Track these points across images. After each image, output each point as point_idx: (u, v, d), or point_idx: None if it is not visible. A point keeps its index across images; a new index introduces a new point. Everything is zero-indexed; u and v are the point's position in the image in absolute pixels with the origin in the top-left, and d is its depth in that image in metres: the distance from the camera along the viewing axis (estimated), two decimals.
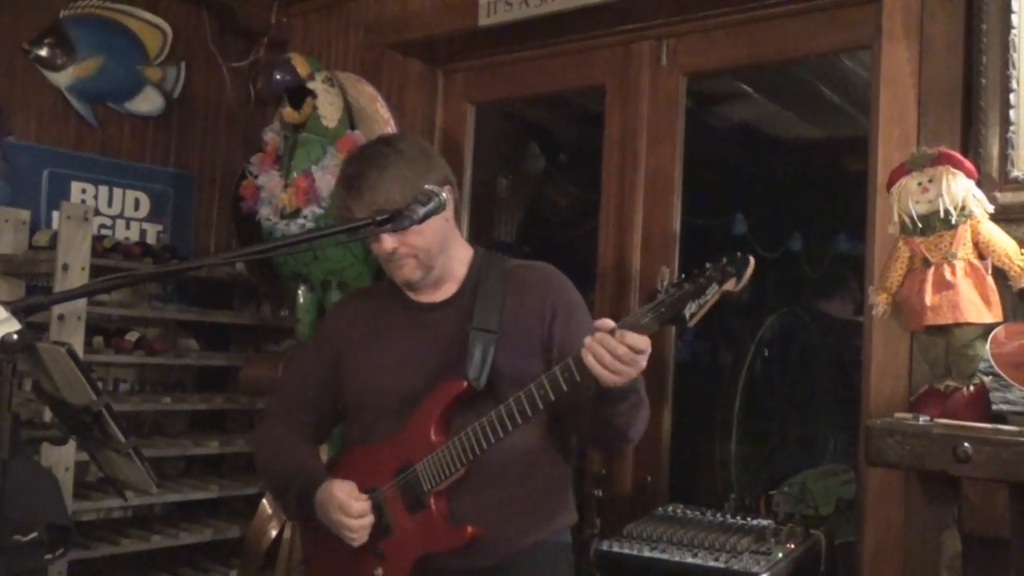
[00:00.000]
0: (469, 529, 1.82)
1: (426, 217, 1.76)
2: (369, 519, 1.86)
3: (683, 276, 1.57)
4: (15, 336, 1.47)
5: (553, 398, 1.69)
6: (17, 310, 1.50)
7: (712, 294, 1.53)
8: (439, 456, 1.82)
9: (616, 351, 1.58)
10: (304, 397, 2.08)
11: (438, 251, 1.91)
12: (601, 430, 1.82)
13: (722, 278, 1.52)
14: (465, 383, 1.84)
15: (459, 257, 1.99)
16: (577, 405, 1.77)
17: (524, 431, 1.81)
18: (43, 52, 3.33)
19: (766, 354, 4.54)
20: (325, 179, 2.88)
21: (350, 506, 1.85)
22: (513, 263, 2.01)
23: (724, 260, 1.54)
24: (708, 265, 1.54)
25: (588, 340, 1.60)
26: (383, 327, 2.00)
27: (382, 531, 1.89)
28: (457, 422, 1.83)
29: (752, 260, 1.53)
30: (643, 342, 1.59)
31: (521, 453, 1.88)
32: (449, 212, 1.90)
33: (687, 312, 1.53)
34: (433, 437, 1.84)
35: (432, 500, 1.85)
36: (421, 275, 1.91)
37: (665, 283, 1.56)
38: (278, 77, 2.95)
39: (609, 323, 1.60)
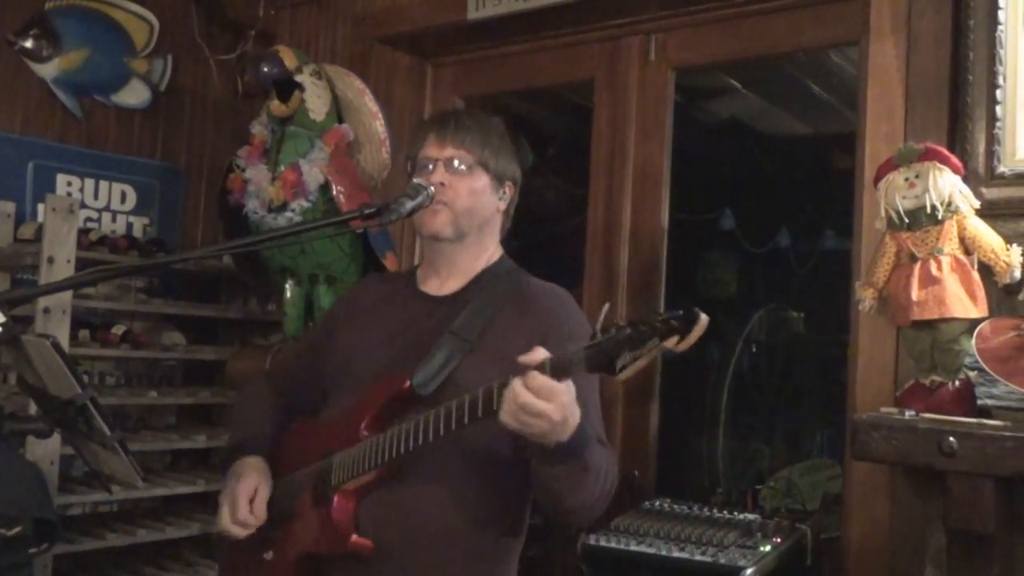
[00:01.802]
0: (354, 538, 1.66)
1: (413, 212, 1.74)
2: (246, 531, 1.77)
3: (628, 323, 1.36)
4: None
5: (467, 421, 1.51)
6: (1, 302, 1.49)
7: (650, 347, 1.33)
8: (356, 452, 1.68)
9: (518, 399, 1.40)
10: (294, 364, 2.05)
11: (476, 223, 1.83)
12: (537, 492, 1.64)
13: (665, 332, 1.32)
14: (407, 383, 1.69)
15: (485, 253, 1.88)
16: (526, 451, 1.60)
17: (476, 468, 1.68)
18: (28, 43, 3.30)
19: (753, 350, 4.56)
20: (313, 172, 2.87)
21: (238, 508, 1.76)
22: (531, 280, 1.88)
23: (675, 313, 1.34)
24: (656, 315, 1.35)
25: (512, 379, 1.43)
26: (381, 309, 1.92)
27: (285, 516, 1.79)
28: (392, 424, 1.66)
29: (703, 319, 1.31)
30: (548, 388, 1.39)
31: (461, 486, 1.69)
32: (503, 206, 1.89)
33: (619, 363, 1.35)
34: (362, 431, 1.71)
35: (335, 498, 1.69)
36: (450, 232, 1.80)
37: (601, 320, 1.39)
38: (266, 70, 2.93)
39: (541, 353, 1.44)
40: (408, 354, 1.75)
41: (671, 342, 1.32)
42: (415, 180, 1.78)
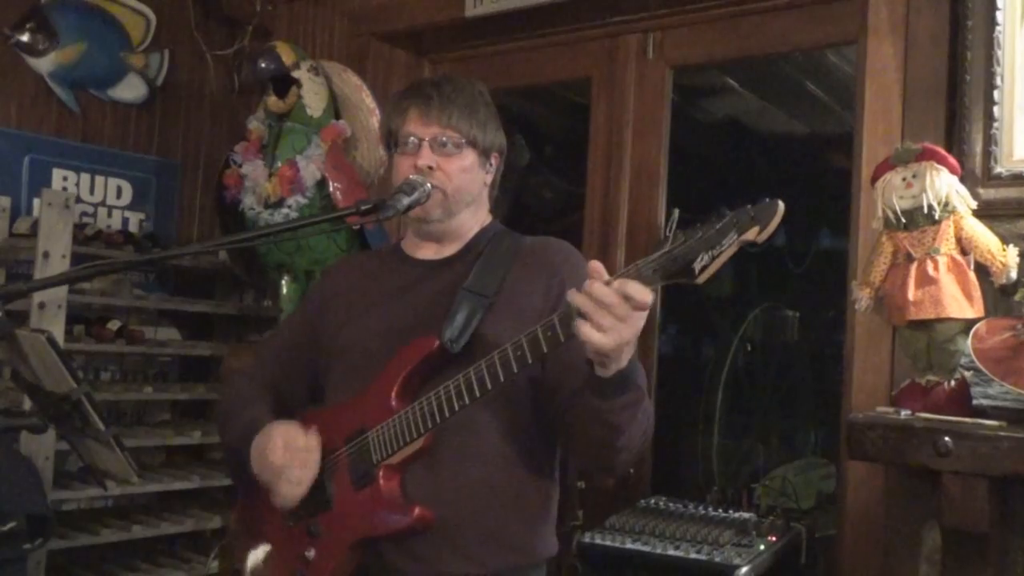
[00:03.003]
0: (417, 510, 1.57)
1: (409, 208, 1.69)
2: (315, 455, 1.64)
3: (699, 224, 1.29)
4: None
5: (531, 360, 1.44)
6: None
7: (729, 244, 1.26)
8: (395, 423, 1.59)
9: (605, 299, 1.30)
10: (280, 356, 1.92)
11: (465, 200, 1.77)
12: (588, 429, 1.52)
13: (744, 224, 1.26)
14: (436, 342, 1.60)
15: (477, 219, 1.82)
16: (564, 388, 1.56)
17: (505, 420, 1.63)
18: (24, 37, 3.29)
19: (749, 348, 4.56)
20: (310, 168, 2.87)
21: (295, 438, 1.63)
22: (529, 238, 1.82)
23: (747, 207, 1.28)
24: (726, 210, 1.28)
25: (572, 291, 1.35)
26: (373, 283, 1.83)
27: (321, 505, 1.67)
28: (426, 389, 1.58)
29: (781, 205, 1.27)
30: (642, 293, 1.30)
31: (498, 443, 1.64)
32: (490, 179, 1.83)
33: (697, 265, 1.27)
34: (393, 402, 1.61)
35: (381, 474, 1.60)
36: (440, 215, 1.74)
37: (673, 227, 1.31)
38: (263, 65, 2.93)
39: (601, 268, 1.34)
40: (419, 319, 1.68)
41: (751, 233, 1.26)
42: (412, 177, 1.72)
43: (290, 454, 1.64)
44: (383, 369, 1.65)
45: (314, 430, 1.67)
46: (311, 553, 1.68)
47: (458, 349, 1.61)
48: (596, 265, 1.35)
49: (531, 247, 1.79)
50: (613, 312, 1.31)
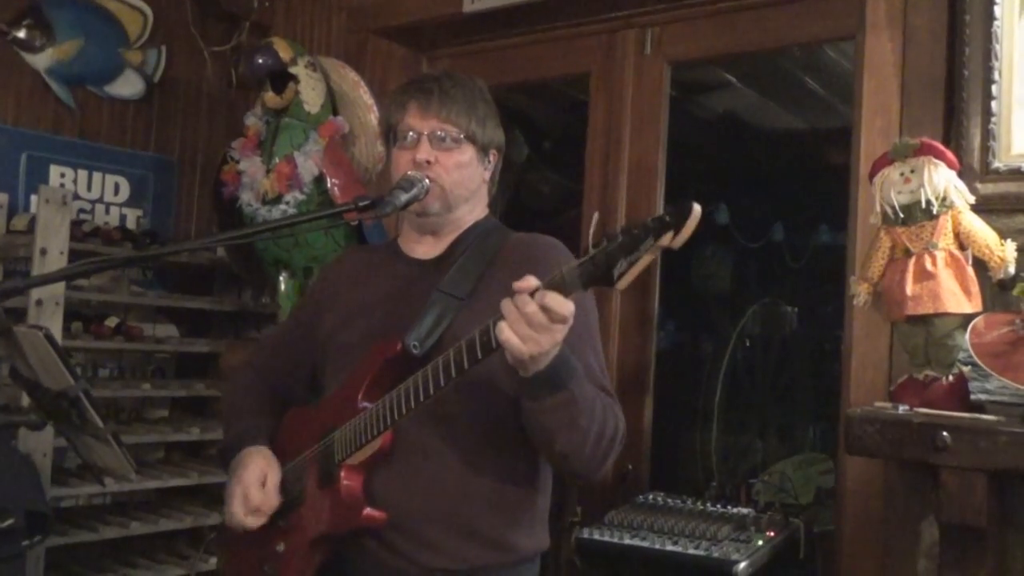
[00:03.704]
0: (366, 510, 1.61)
1: (407, 204, 1.70)
2: (260, 519, 1.72)
3: (619, 229, 1.33)
4: None
5: (467, 365, 1.47)
6: None
7: (646, 250, 1.29)
8: (355, 424, 1.63)
9: (525, 308, 1.36)
10: (280, 350, 1.96)
11: (464, 196, 1.78)
12: (530, 431, 1.58)
13: (659, 230, 1.28)
14: (398, 346, 1.63)
15: (474, 215, 1.84)
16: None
17: (481, 417, 1.65)
18: (21, 34, 3.28)
19: (747, 344, 4.56)
20: (307, 165, 2.86)
21: (250, 497, 1.71)
22: (517, 234, 1.84)
23: (666, 209, 1.31)
24: (646, 218, 1.32)
25: (504, 299, 1.40)
26: (368, 281, 1.85)
27: (293, 502, 1.73)
28: (392, 390, 1.60)
29: (696, 209, 1.27)
30: (561, 305, 1.35)
31: (469, 447, 1.66)
32: (488, 175, 1.84)
33: (616, 271, 1.30)
34: (359, 403, 1.65)
35: (342, 474, 1.64)
36: (439, 208, 1.75)
37: (592, 233, 1.35)
38: (260, 61, 2.92)
39: (532, 282, 1.38)
40: (399, 320, 1.70)
41: (666, 239, 1.28)
42: (410, 173, 1.72)
43: (243, 505, 1.71)
44: (355, 368, 1.69)
45: (273, 483, 1.73)
46: (281, 547, 1.74)
47: (423, 352, 1.63)
48: (527, 279, 1.39)
49: (514, 244, 1.80)
50: (531, 322, 1.36)
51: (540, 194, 4.58)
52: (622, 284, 1.32)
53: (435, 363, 1.51)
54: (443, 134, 1.73)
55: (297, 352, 1.92)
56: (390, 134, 1.80)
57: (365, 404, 1.64)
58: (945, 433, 1.77)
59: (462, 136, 1.74)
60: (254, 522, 1.72)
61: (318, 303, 1.91)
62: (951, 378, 1.98)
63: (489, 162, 1.83)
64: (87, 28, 3.44)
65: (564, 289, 1.36)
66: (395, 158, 1.78)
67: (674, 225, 1.28)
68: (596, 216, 1.38)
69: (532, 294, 1.37)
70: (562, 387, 1.48)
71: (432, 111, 1.73)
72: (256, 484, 1.72)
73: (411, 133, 1.74)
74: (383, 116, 1.85)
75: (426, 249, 1.83)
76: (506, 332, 1.38)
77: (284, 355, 1.95)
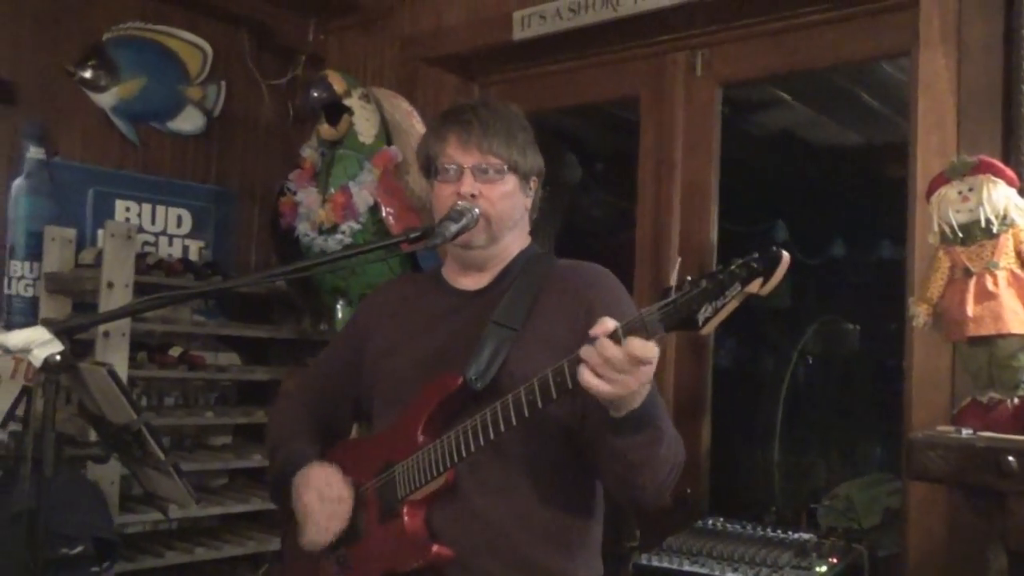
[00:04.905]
0: (435, 548, 1.60)
1: (458, 235, 1.70)
2: (346, 506, 1.70)
3: (702, 273, 1.32)
4: (57, 357, 1.51)
5: (541, 405, 1.46)
6: (60, 331, 1.54)
7: (732, 296, 1.29)
8: (418, 459, 1.62)
9: (607, 353, 1.34)
10: (324, 380, 1.96)
11: (508, 226, 1.78)
12: (609, 466, 1.55)
13: (747, 277, 1.28)
14: (459, 380, 1.62)
15: (518, 244, 1.83)
16: (591, 419, 1.56)
17: (537, 451, 1.63)
18: (87, 74, 3.40)
19: (809, 362, 4.49)
20: (362, 195, 2.91)
21: (329, 487, 1.69)
22: (563, 262, 1.83)
23: (753, 256, 1.30)
24: (733, 262, 1.31)
25: (585, 345, 1.38)
26: (412, 311, 1.84)
27: (351, 536, 1.71)
28: (452, 424, 1.60)
29: (786, 256, 1.28)
30: (645, 350, 1.34)
31: (528, 480, 1.64)
32: (530, 202, 1.84)
33: (701, 316, 1.30)
34: (419, 438, 1.64)
35: (405, 510, 1.63)
36: (484, 241, 1.75)
37: (675, 276, 1.35)
38: (315, 94, 2.98)
39: (611, 324, 1.37)
40: (450, 351, 1.70)
41: (754, 286, 1.29)
42: (459, 204, 1.72)
43: (322, 503, 1.70)
44: (412, 402, 1.68)
45: (347, 479, 1.71)
46: None
47: (483, 386, 1.62)
48: (605, 321, 1.38)
49: (561, 273, 1.79)
50: (616, 367, 1.35)
51: (593, 216, 4.57)
52: (707, 329, 1.32)
53: (505, 401, 1.51)
54: (486, 166, 1.73)
55: (340, 380, 1.92)
56: (430, 166, 1.80)
57: (423, 439, 1.64)
58: (1011, 458, 1.72)
59: (505, 167, 1.74)
60: (338, 524, 1.69)
61: (361, 332, 1.91)
62: (1016, 400, 1.92)
63: (531, 189, 1.83)
64: (149, 67, 3.55)
65: (645, 333, 1.34)
66: (437, 191, 1.78)
67: (763, 272, 1.28)
68: (679, 260, 1.39)
69: (612, 335, 1.36)
70: (651, 424, 1.48)
71: (473, 144, 1.73)
72: (328, 480, 1.71)
73: (453, 166, 1.74)
74: (421, 147, 1.85)
75: (471, 281, 1.83)
76: (588, 377, 1.37)
77: (327, 384, 1.96)
